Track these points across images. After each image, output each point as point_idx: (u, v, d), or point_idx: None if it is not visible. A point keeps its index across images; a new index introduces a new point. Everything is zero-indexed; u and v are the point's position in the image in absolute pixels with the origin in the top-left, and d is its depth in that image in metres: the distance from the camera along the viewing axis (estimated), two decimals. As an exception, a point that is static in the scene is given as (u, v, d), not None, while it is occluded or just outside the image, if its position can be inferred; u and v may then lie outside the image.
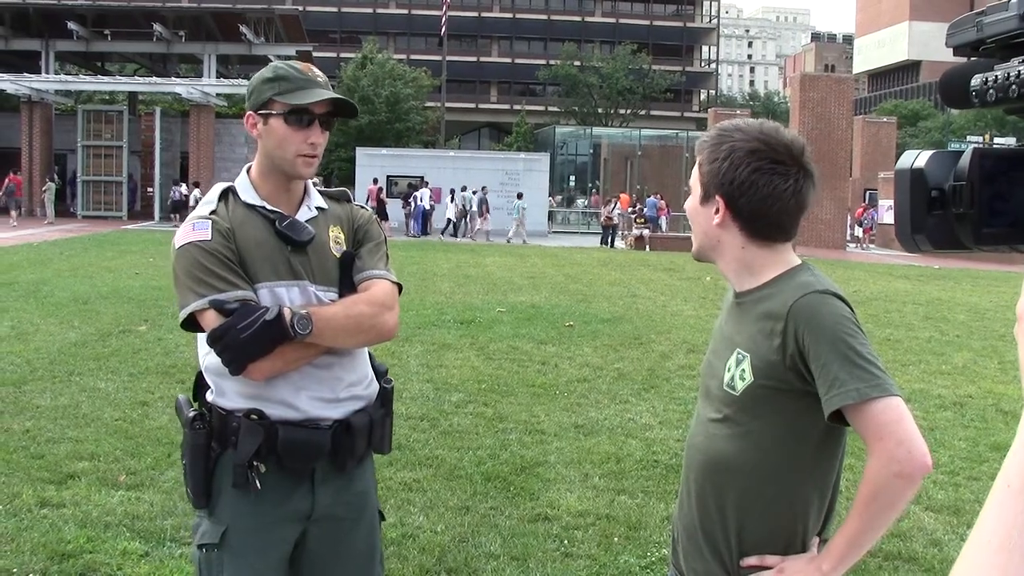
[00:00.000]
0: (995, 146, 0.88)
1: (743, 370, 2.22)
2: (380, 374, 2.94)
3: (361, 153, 42.13)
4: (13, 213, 36.16)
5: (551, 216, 46.60)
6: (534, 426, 7.92)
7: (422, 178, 40.47)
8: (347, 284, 2.77)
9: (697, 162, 2.33)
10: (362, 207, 3.00)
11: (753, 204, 2.21)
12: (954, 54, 1.01)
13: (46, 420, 7.65)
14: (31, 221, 37.55)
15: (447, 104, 64.75)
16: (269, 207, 2.73)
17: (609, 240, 37.20)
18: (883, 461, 2.05)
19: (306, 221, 2.76)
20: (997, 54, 0.95)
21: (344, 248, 2.82)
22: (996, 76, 0.93)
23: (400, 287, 2.86)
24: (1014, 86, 0.90)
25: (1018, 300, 0.89)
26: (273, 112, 2.69)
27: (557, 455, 7.10)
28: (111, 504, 5.80)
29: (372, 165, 41.05)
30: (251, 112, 2.74)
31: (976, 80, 0.95)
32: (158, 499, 5.88)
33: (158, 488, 6.05)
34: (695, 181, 2.33)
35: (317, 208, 2.83)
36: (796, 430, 2.20)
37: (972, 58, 0.99)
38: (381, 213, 37.67)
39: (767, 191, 2.19)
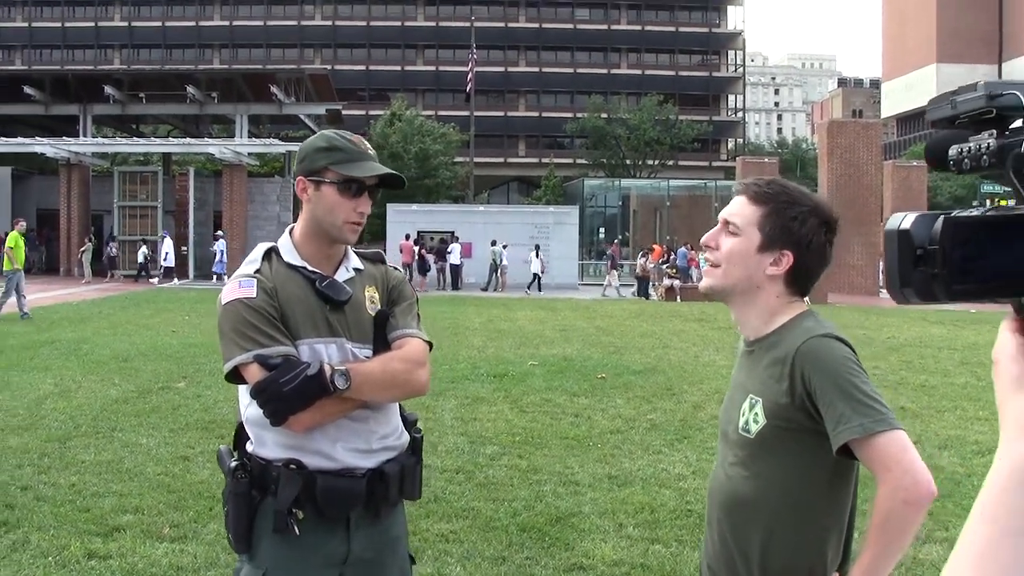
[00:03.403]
0: (965, 213, 0.99)
1: (756, 414, 2.35)
2: (410, 424, 3.06)
3: (392, 209, 42.36)
4: None
5: (583, 269, 46.73)
6: (568, 477, 7.98)
7: (452, 233, 40.71)
8: (381, 341, 2.91)
9: (758, 208, 2.45)
10: (396, 268, 3.14)
11: (813, 265, 2.42)
12: (932, 127, 1.14)
13: (91, 475, 7.80)
14: (69, 280, 37.99)
15: (476, 159, 65.10)
16: (310, 268, 2.88)
17: (641, 291, 37.27)
18: (891, 490, 2.16)
19: (344, 281, 2.91)
20: (970, 128, 1.07)
21: (379, 307, 2.96)
22: (970, 147, 1.05)
23: (431, 345, 3.00)
24: (985, 156, 1.02)
25: (995, 346, 0.99)
26: (326, 180, 2.84)
27: (591, 505, 7.16)
28: (156, 556, 5.94)
29: (403, 221, 41.26)
30: (303, 177, 2.88)
31: (953, 150, 1.08)
32: (201, 551, 6.00)
33: (201, 540, 6.17)
34: (751, 225, 2.44)
35: (354, 269, 2.98)
36: (809, 468, 2.33)
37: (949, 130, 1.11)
38: (422, 268, 37.97)
39: (827, 258, 2.42)
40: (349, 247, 3.02)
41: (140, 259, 40.75)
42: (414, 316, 3.02)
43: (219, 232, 41.35)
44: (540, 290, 37.70)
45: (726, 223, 2.47)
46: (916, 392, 12.85)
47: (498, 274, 39.13)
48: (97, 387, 12.28)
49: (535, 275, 38.05)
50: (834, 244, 2.45)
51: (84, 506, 6.91)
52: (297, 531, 2.74)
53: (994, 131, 1.03)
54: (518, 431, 9.91)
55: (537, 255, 38.36)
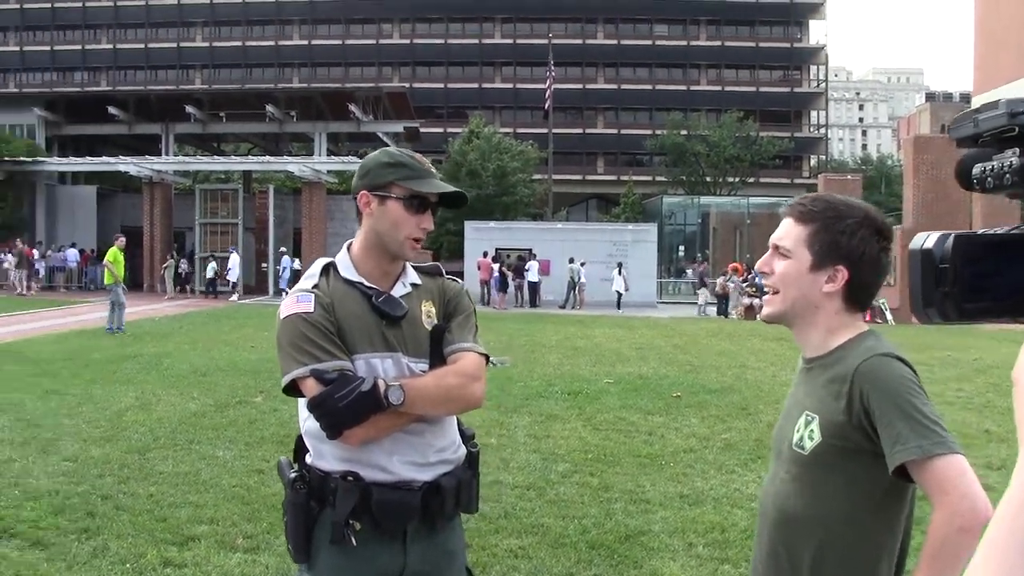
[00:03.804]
0: (980, 231, 0.99)
1: (811, 431, 2.33)
2: (467, 438, 3.09)
3: (469, 227, 42.51)
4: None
5: (662, 287, 46.48)
6: (639, 495, 7.96)
7: (530, 250, 40.76)
8: (437, 355, 2.93)
9: (805, 227, 2.45)
10: (453, 280, 3.17)
11: (870, 278, 2.40)
12: (957, 146, 1.13)
13: (168, 485, 7.98)
14: (151, 296, 38.69)
15: (554, 176, 65.13)
16: (367, 284, 2.92)
17: (721, 310, 36.99)
18: (947, 516, 2.13)
19: (401, 296, 2.94)
20: (994, 146, 1.07)
21: (435, 321, 2.99)
22: (993, 166, 1.05)
23: (487, 358, 3.01)
24: (1008, 174, 1.02)
25: (1015, 367, 0.99)
26: (392, 195, 2.88)
27: (662, 524, 7.13)
28: (229, 566, 6.06)
29: (480, 238, 41.39)
30: (366, 191, 2.91)
31: (976, 169, 1.08)
32: (273, 562, 6.12)
33: (273, 551, 6.27)
34: (800, 245, 2.44)
35: (411, 284, 3.02)
36: (862, 487, 2.31)
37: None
38: (503, 285, 38.03)
39: (884, 268, 2.39)
40: (407, 262, 3.05)
41: (209, 274, 41.45)
42: (471, 329, 3.04)
43: (283, 249, 41.76)
44: (619, 307, 37.61)
45: (776, 247, 2.47)
46: (1002, 415, 12.53)
47: (576, 291, 39.07)
48: (176, 401, 12.53)
49: (618, 293, 37.97)
50: (890, 250, 2.42)
51: (161, 516, 7.07)
52: (354, 542, 2.78)
53: (1017, 149, 1.03)
54: (591, 449, 9.90)
55: (620, 273, 38.26)
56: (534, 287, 39.32)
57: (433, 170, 2.97)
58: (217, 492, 7.82)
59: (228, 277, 40.51)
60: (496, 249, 40.68)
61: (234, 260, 40.60)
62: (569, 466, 9.06)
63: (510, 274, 39.29)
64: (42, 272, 43.88)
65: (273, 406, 12.00)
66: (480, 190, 55.58)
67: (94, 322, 25.16)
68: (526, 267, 39.55)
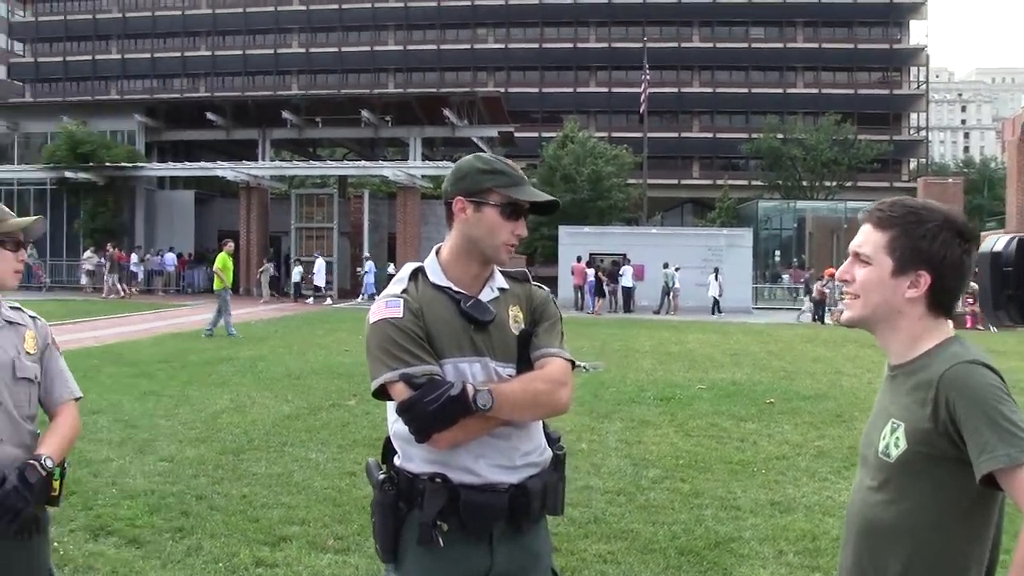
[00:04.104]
0: None
1: (897, 438, 2.30)
2: (553, 441, 3.10)
3: (564, 231, 42.49)
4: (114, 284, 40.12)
5: (757, 293, 45.99)
6: (730, 502, 7.89)
7: (624, 255, 40.63)
8: (524, 360, 2.94)
9: (885, 233, 2.42)
10: (540, 287, 3.17)
11: (954, 282, 2.31)
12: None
13: (261, 487, 8.10)
14: (247, 300, 39.27)
15: (649, 180, 64.94)
16: (455, 288, 2.94)
17: (817, 316, 36.48)
18: None
19: (488, 301, 2.96)
20: None
21: (523, 326, 3.00)
22: None
23: (573, 363, 3.00)
24: None
25: None
26: (489, 202, 2.90)
27: (752, 531, 7.06)
28: (320, 566, 6.14)
29: (575, 243, 41.34)
30: (462, 197, 2.94)
31: None
32: (363, 563, 6.18)
33: (363, 553, 6.33)
34: (880, 252, 2.41)
35: (499, 289, 3.03)
36: (949, 495, 2.26)
37: None
38: (599, 290, 37.98)
39: (967, 270, 2.30)
40: (495, 267, 3.07)
41: (295, 278, 41.99)
42: (557, 335, 3.03)
43: (367, 254, 42.14)
44: (716, 313, 37.32)
45: (856, 254, 2.45)
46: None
47: (670, 297, 38.86)
48: (270, 403, 12.71)
49: (714, 298, 37.69)
50: (972, 252, 2.36)
51: (254, 516, 7.18)
52: (441, 543, 2.81)
53: None
54: (682, 455, 9.84)
55: (716, 278, 37.98)
56: (628, 292, 39.20)
57: (525, 176, 2.98)
58: (309, 494, 7.91)
59: (315, 281, 40.93)
60: (590, 254, 40.60)
61: (320, 264, 41.03)
62: (660, 472, 9.01)
63: (605, 279, 39.18)
64: (141, 276, 44.98)
65: (366, 409, 12.12)
66: (574, 195, 55.61)
67: (190, 325, 25.66)
68: (620, 272, 39.43)
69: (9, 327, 3.44)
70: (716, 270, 38.37)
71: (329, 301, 40.21)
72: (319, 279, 40.75)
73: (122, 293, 40.92)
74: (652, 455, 9.80)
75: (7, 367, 3.34)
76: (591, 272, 38.87)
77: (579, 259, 39.67)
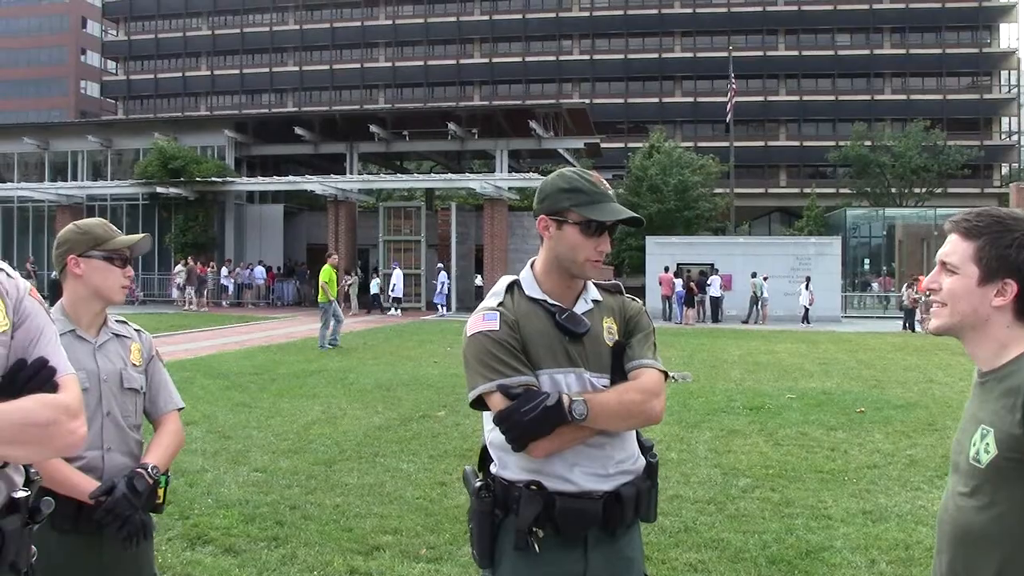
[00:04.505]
0: None
1: (987, 444, 2.31)
2: (646, 449, 3.15)
3: (651, 242, 42.28)
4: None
5: (846, 301, 45.33)
6: (821, 511, 7.85)
7: (712, 265, 40.37)
8: (618, 371, 3.01)
9: (971, 243, 2.44)
10: (632, 298, 3.23)
11: None
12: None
13: (354, 496, 8.24)
14: (363, 313, 39.71)
15: (736, 190, 64.40)
16: (550, 301, 3.02)
17: (909, 324, 35.87)
18: None
19: (583, 313, 3.03)
20: None
21: (616, 338, 3.07)
22: None
23: (666, 374, 3.07)
24: None
25: None
26: (568, 220, 2.97)
27: (843, 541, 7.02)
28: (412, 575, 6.25)
29: (662, 253, 41.12)
30: (545, 216, 3.02)
31: None
32: (455, 572, 6.28)
33: (455, 562, 6.43)
34: (967, 261, 2.44)
35: (593, 301, 3.10)
36: None
37: None
38: (689, 300, 37.77)
39: None
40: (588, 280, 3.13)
41: (373, 290, 42.34)
42: (650, 346, 3.09)
43: (440, 264, 42.28)
44: (808, 322, 36.91)
45: (943, 263, 2.48)
46: None
47: (759, 306, 38.53)
48: (361, 414, 12.89)
49: (804, 307, 37.28)
50: None
51: (347, 526, 7.32)
52: (537, 549, 2.88)
53: None
54: (772, 464, 9.81)
55: (807, 287, 37.56)
56: (716, 302, 38.94)
57: (609, 191, 3.03)
58: (401, 504, 8.03)
59: (392, 293, 41.16)
60: (677, 264, 40.38)
61: (397, 276, 41.24)
62: (750, 481, 9.00)
63: (694, 288, 38.92)
64: (231, 289, 45.69)
65: (456, 420, 12.24)
66: (661, 205, 55.33)
67: (280, 338, 26.08)
68: (708, 282, 39.18)
69: (116, 340, 3.60)
70: (807, 279, 37.93)
71: (397, 312, 40.53)
72: (397, 291, 41.00)
73: (187, 305, 41.57)
74: (742, 464, 9.78)
75: (115, 378, 3.50)
76: (679, 282, 38.67)
77: (667, 269, 39.47)
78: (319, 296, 23.32)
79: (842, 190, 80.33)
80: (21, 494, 2.31)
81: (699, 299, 39.17)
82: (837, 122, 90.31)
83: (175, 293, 43.83)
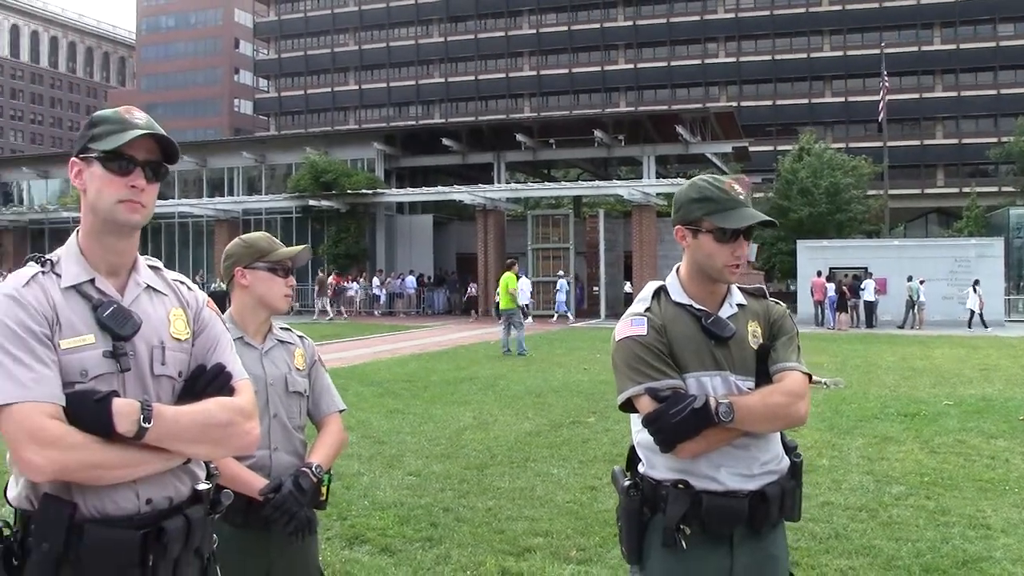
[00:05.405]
0: None
1: None
2: (790, 450, 3.20)
3: (802, 246, 41.59)
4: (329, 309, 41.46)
5: (1010, 305, 43.77)
6: (979, 521, 7.64)
7: (865, 269, 39.48)
8: (763, 374, 3.07)
9: None
10: (776, 302, 3.27)
11: None
12: None
13: (505, 500, 8.38)
14: (486, 320, 40.05)
15: (890, 191, 62.91)
16: (696, 306, 3.10)
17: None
18: None
19: (728, 317, 3.11)
20: None
21: (761, 341, 3.13)
22: None
23: (810, 377, 3.09)
24: None
25: None
26: (702, 229, 3.07)
27: (1003, 551, 6.82)
28: (563, 576, 6.32)
29: (814, 258, 40.39)
30: (680, 226, 3.14)
31: None
32: (605, 574, 6.35)
33: (605, 564, 6.49)
34: None
35: (738, 305, 3.17)
36: None
37: None
38: (842, 305, 37.05)
39: None
40: (733, 284, 3.19)
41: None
42: (795, 349, 3.14)
43: (560, 272, 42.11)
44: (972, 327, 35.76)
45: None
46: None
47: (915, 311, 37.52)
48: (512, 420, 13.04)
49: (972, 311, 36.12)
50: None
51: (499, 528, 7.46)
52: (684, 546, 2.96)
53: None
54: (927, 472, 9.58)
55: (975, 290, 36.36)
56: (870, 307, 38.10)
57: (741, 196, 3.09)
58: (551, 507, 8.13)
59: (519, 300, 41.10)
60: (830, 268, 39.60)
61: (524, 283, 41.21)
62: (904, 489, 8.81)
63: (847, 293, 38.10)
64: (382, 299, 46.47)
65: (606, 426, 12.28)
66: (812, 208, 54.37)
67: (431, 346, 26.47)
68: (861, 286, 38.34)
69: (281, 346, 3.80)
70: (976, 282, 36.63)
71: (571, 318, 40.60)
72: (523, 297, 41.02)
73: (330, 315, 42.25)
74: (895, 472, 9.59)
75: (280, 382, 3.70)
76: (831, 287, 37.93)
77: (819, 274, 38.76)
78: (502, 303, 23.55)
79: (1005, 188, 77.72)
80: (204, 486, 2.55)
81: (852, 304, 38.31)
82: (999, 117, 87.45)
83: (321, 303, 44.82)
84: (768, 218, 3.09)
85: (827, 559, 6.59)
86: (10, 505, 2.41)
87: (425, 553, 6.82)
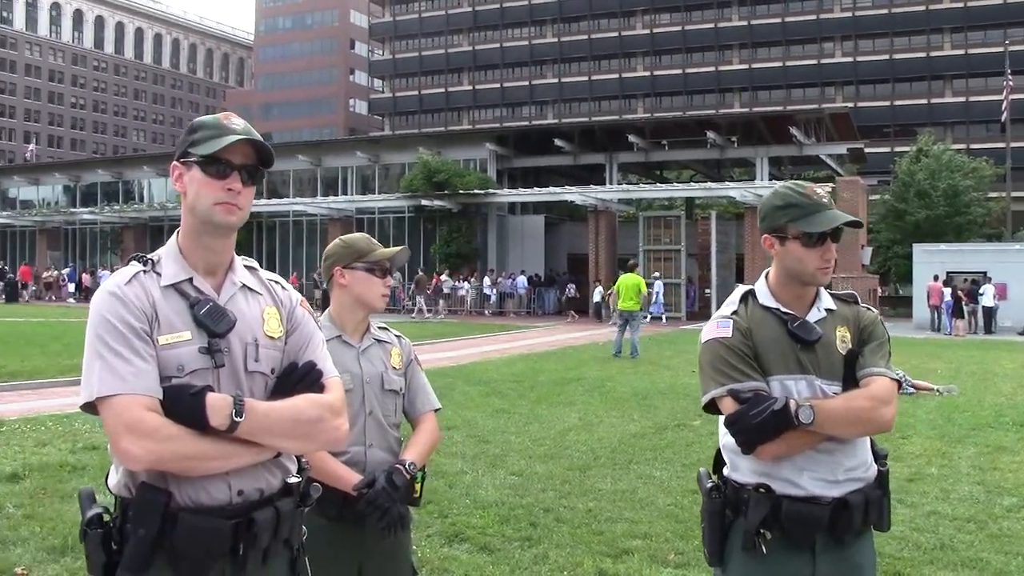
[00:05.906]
0: None
1: None
2: (879, 458, 3.18)
3: (919, 249, 40.73)
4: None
5: None
6: (1095, 535, 7.45)
7: (984, 273, 38.50)
8: (850, 379, 3.06)
9: None
10: (868, 308, 3.26)
11: None
12: None
13: (606, 501, 8.40)
14: (595, 321, 40.08)
15: (1013, 193, 61.17)
16: (783, 310, 3.11)
17: None
18: None
19: (815, 322, 3.11)
20: None
21: (849, 346, 3.11)
22: None
23: (900, 383, 3.09)
24: None
25: None
26: (788, 236, 3.09)
27: (1117, 566, 6.65)
28: (659, 579, 6.33)
29: (930, 261, 39.52)
30: (767, 234, 3.16)
31: None
32: (702, 578, 6.31)
33: (703, 568, 6.44)
34: None
35: (826, 310, 3.17)
36: None
37: None
38: (958, 311, 36.22)
39: None
40: (822, 288, 3.21)
41: (595, 298, 42.51)
42: (884, 355, 3.13)
43: (655, 274, 41.64)
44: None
45: None
46: None
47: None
48: (617, 422, 13.05)
49: None
50: None
51: (598, 529, 7.48)
52: (764, 550, 2.98)
53: None
54: (1043, 483, 9.35)
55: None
56: (989, 312, 37.14)
57: (824, 200, 3.10)
58: (652, 510, 8.13)
59: (652, 309, 40.98)
60: (947, 272, 38.71)
61: (659, 287, 41.01)
62: (1016, 500, 8.60)
63: (964, 298, 37.23)
64: (493, 298, 46.70)
65: (711, 430, 12.16)
66: (930, 211, 53.28)
67: (540, 346, 26.54)
68: (980, 291, 37.40)
69: (378, 345, 3.89)
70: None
71: (663, 320, 40.51)
72: (656, 307, 40.84)
73: (427, 314, 42.54)
74: (1008, 483, 9.37)
75: (376, 380, 3.78)
76: (948, 291, 37.08)
77: (936, 278, 37.91)
78: (623, 304, 23.50)
79: None
80: (294, 480, 2.64)
81: (970, 309, 37.39)
82: None
83: (440, 302, 45.08)
84: (854, 218, 3.09)
85: (931, 570, 6.49)
86: (111, 492, 2.54)
87: (523, 553, 6.88)
